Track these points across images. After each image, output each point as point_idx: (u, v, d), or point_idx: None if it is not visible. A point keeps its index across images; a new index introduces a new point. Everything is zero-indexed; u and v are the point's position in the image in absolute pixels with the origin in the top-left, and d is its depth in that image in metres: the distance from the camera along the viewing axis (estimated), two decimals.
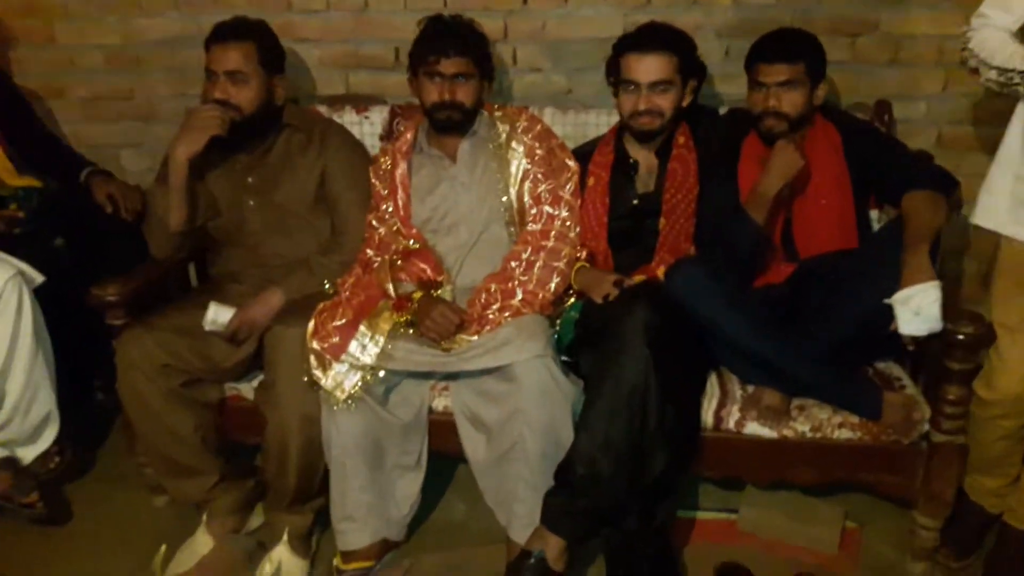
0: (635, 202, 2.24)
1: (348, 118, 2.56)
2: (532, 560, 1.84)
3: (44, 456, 2.31)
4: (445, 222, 2.25)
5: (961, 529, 2.08)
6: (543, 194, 2.19)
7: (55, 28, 2.79)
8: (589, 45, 2.55)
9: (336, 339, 2.03)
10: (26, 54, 2.82)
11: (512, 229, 2.23)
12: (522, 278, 2.11)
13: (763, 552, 2.13)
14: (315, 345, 2.03)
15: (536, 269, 2.12)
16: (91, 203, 2.44)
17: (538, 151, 2.21)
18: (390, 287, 2.13)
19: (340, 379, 2.00)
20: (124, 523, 2.32)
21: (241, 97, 2.15)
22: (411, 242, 2.21)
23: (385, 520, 2.08)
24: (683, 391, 1.94)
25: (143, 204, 2.39)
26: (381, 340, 2.03)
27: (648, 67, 2.10)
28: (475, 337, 2.01)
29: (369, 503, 2.04)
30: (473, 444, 2.04)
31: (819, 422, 1.98)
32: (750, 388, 2.05)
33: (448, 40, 2.15)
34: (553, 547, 1.86)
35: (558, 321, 2.12)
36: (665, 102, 2.13)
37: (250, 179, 2.27)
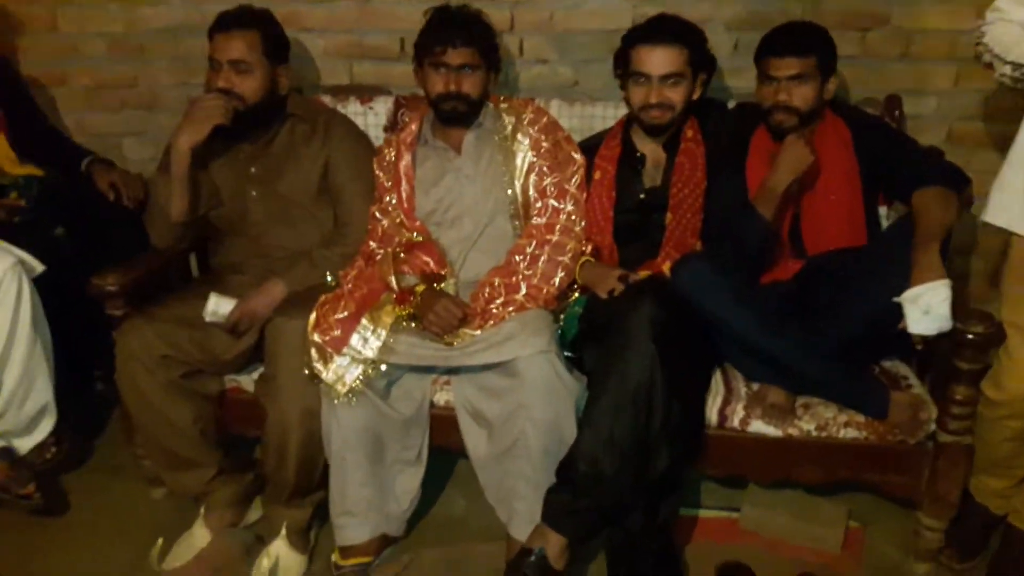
0: (642, 196, 2.22)
1: (352, 108, 2.54)
2: (532, 558, 1.83)
3: (40, 447, 2.29)
4: (449, 215, 2.23)
5: (966, 530, 2.07)
6: (548, 187, 2.17)
7: (58, 15, 2.77)
8: (597, 37, 2.53)
9: (338, 332, 2.01)
10: (29, 42, 2.80)
11: (517, 222, 2.21)
12: (526, 272, 2.09)
13: (765, 551, 2.12)
14: (316, 338, 2.01)
15: (540, 263, 2.11)
16: (92, 192, 2.43)
17: (544, 144, 2.19)
18: (393, 280, 2.11)
19: (341, 372, 1.99)
20: (121, 515, 2.31)
21: (245, 86, 2.14)
22: (415, 235, 2.20)
23: (385, 515, 2.07)
24: (689, 388, 1.92)
25: (145, 193, 2.38)
26: (383, 333, 2.02)
27: (659, 59, 2.09)
28: (478, 331, 2.00)
29: (369, 498, 2.03)
30: (474, 439, 2.02)
31: (824, 421, 1.96)
32: (755, 386, 2.03)
33: (454, 30, 2.13)
34: (554, 545, 1.84)
35: (562, 316, 2.11)
36: (676, 95, 2.12)
37: (253, 169, 2.26)
